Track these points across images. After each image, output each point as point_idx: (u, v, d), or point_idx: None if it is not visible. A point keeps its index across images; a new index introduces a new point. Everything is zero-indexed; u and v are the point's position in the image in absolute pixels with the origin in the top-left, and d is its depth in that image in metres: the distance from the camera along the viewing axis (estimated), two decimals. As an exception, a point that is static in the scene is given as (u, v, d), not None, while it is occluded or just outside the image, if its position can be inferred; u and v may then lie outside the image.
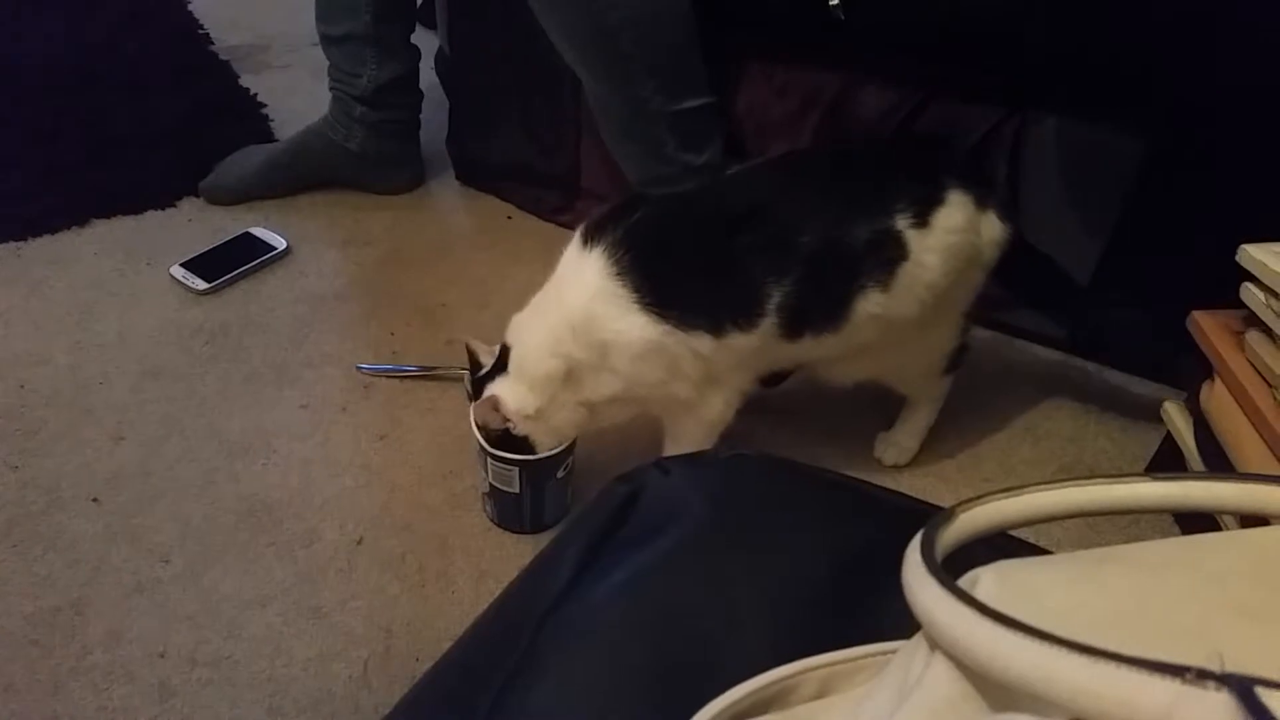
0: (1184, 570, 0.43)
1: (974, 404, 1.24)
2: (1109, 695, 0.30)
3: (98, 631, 1.00)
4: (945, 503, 0.52)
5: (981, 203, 0.99)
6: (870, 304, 0.96)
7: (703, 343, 0.96)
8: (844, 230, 0.95)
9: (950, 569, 0.47)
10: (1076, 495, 0.50)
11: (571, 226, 1.52)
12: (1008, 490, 0.50)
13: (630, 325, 0.94)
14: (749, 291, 0.96)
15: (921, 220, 0.95)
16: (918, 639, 0.44)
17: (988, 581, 0.42)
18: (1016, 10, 1.12)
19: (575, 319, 0.95)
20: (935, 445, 1.19)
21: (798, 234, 0.95)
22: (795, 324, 0.97)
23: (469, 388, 1.06)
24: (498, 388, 0.99)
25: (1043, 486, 0.51)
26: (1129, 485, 0.50)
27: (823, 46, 1.25)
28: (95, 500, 1.13)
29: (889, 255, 0.95)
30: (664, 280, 0.94)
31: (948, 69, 1.22)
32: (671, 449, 1.09)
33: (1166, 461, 1.07)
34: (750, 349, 0.98)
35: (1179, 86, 1.09)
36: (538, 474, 1.04)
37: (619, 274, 0.94)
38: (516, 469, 1.02)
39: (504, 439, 1.01)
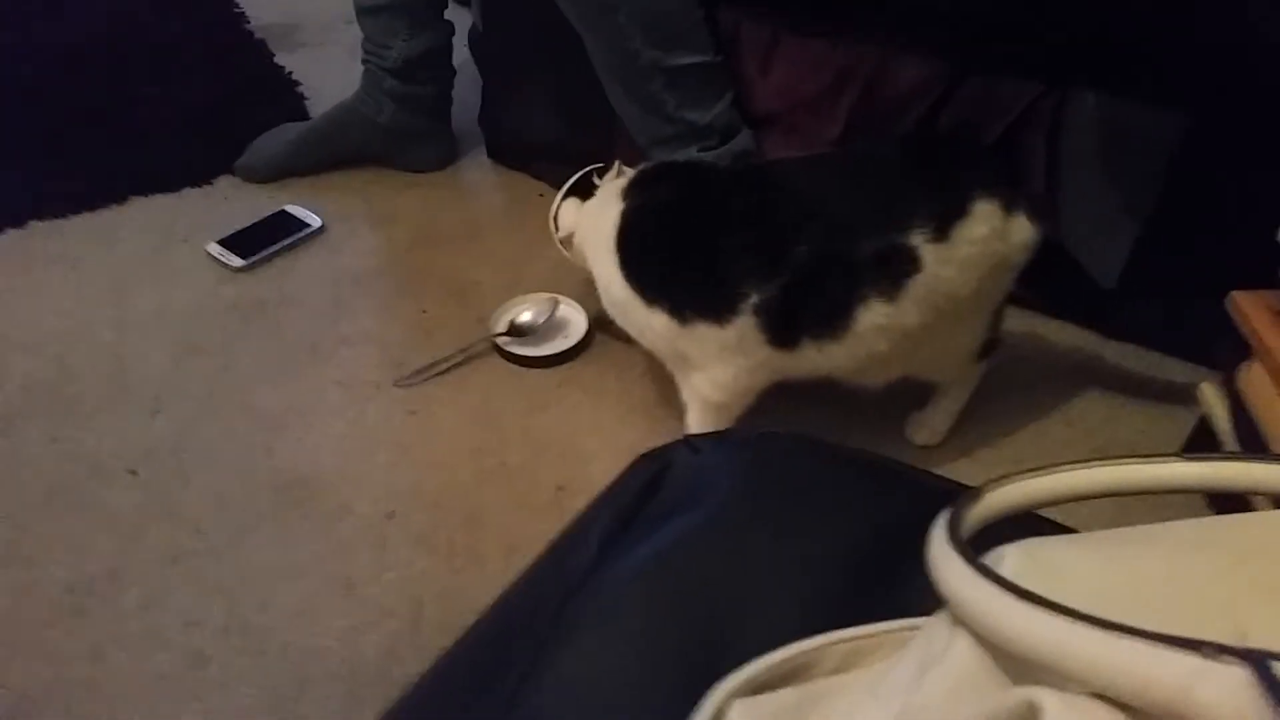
0: (1209, 550, 0.42)
1: (1006, 384, 1.23)
2: (1128, 669, 0.30)
3: (134, 600, 1.02)
4: (976, 483, 0.51)
5: (1010, 206, 0.96)
6: (875, 315, 0.95)
7: (660, 321, 1.01)
8: (847, 242, 0.94)
9: (978, 547, 0.47)
10: (1106, 475, 0.50)
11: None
12: (1036, 469, 0.50)
13: (611, 276, 1.05)
14: (722, 288, 0.97)
15: (941, 233, 0.93)
16: (941, 615, 0.44)
17: (1013, 559, 0.42)
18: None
19: (595, 240, 1.08)
20: (966, 425, 1.18)
21: (794, 241, 0.95)
22: (785, 331, 0.97)
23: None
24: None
25: (1071, 466, 0.50)
26: (1161, 465, 0.49)
27: (856, 21, 1.24)
28: (133, 472, 1.15)
29: (898, 269, 0.94)
30: (645, 255, 1.03)
31: (983, 45, 1.20)
32: (687, 418, 1.11)
33: (1201, 443, 1.05)
34: (726, 345, 0.99)
35: (1217, 62, 1.07)
36: None
37: (619, 234, 1.04)
38: None
39: None
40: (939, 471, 1.14)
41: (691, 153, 1.31)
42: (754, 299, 0.95)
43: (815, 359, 0.99)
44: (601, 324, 1.32)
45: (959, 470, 1.14)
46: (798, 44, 1.30)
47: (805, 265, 0.94)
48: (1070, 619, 0.32)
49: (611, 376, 1.28)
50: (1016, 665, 0.36)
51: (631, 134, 1.36)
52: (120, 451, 1.17)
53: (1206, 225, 1.13)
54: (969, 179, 0.96)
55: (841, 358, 0.98)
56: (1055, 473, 0.50)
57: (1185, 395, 1.14)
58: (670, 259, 1.01)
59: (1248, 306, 0.93)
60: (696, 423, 1.09)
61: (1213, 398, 1.02)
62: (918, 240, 0.93)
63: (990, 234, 0.95)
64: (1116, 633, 0.30)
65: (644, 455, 0.61)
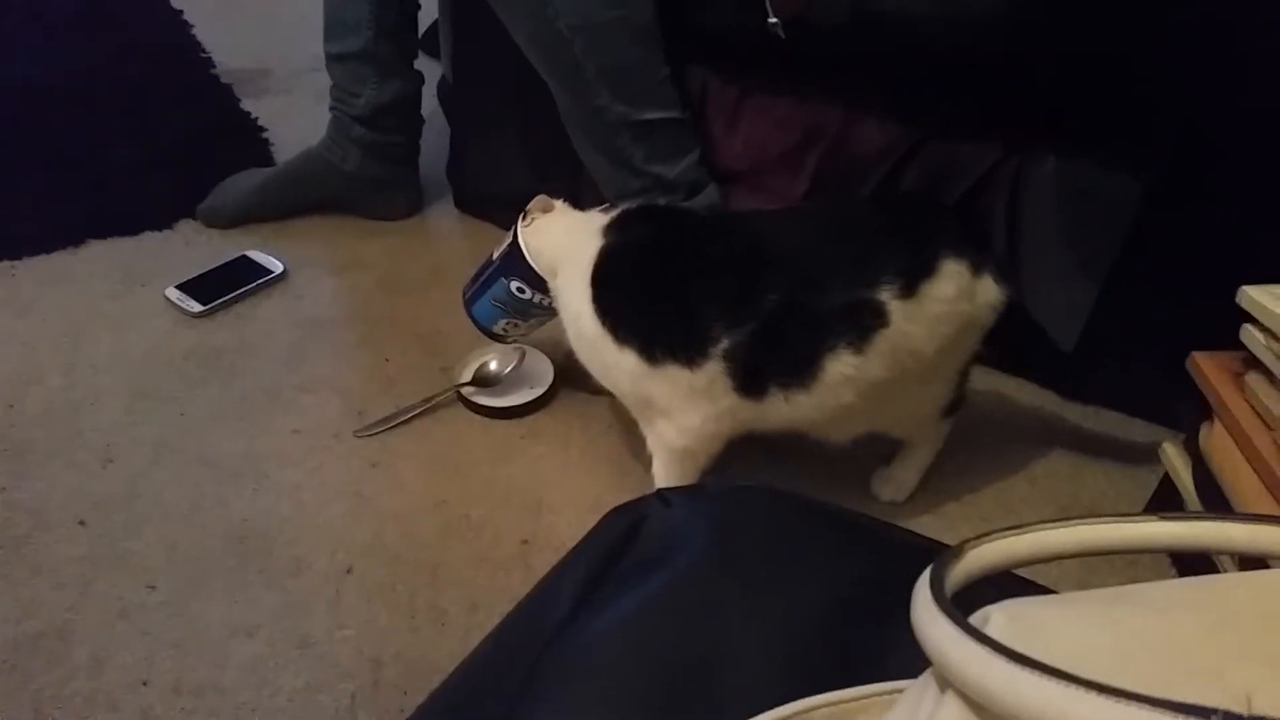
0: (1195, 612, 0.42)
1: (970, 440, 1.24)
2: (1133, 738, 0.29)
3: (81, 658, 0.98)
4: (943, 540, 0.51)
5: (977, 268, 0.98)
6: (843, 365, 0.95)
7: (630, 361, 0.99)
8: (816, 293, 0.95)
9: (958, 608, 0.47)
10: (1087, 534, 0.50)
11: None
12: (1017, 527, 0.50)
13: (582, 310, 1.03)
14: (694, 330, 0.97)
15: (908, 290, 0.94)
16: (925, 678, 0.43)
17: (999, 620, 0.41)
18: (1012, 47, 1.13)
19: (570, 273, 1.06)
20: (931, 482, 1.19)
21: (766, 288, 0.95)
22: (753, 378, 0.97)
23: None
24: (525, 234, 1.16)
25: (1053, 524, 0.50)
26: (1140, 524, 0.49)
27: (821, 83, 1.26)
28: (82, 523, 1.11)
29: (865, 322, 0.94)
30: (620, 293, 1.02)
31: (946, 109, 1.22)
32: (654, 469, 1.10)
33: (1164, 503, 1.06)
34: (695, 390, 0.98)
35: (1178, 125, 1.10)
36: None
37: (595, 268, 1.02)
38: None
39: None
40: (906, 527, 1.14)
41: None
42: (724, 343, 0.95)
43: (782, 409, 0.98)
44: (567, 375, 1.32)
45: (925, 527, 1.14)
46: (765, 103, 1.32)
47: (775, 313, 0.94)
48: (1069, 683, 0.32)
49: (577, 428, 1.27)
50: (1010, 731, 0.35)
51: (600, 186, 1.36)
52: (69, 502, 1.13)
53: (1166, 287, 1.15)
54: (938, 239, 0.97)
55: (808, 408, 0.98)
56: (1036, 531, 0.50)
57: (1147, 455, 1.15)
58: (644, 299, 1.01)
59: (1209, 368, 0.94)
60: (662, 473, 1.08)
61: (1175, 458, 1.03)
62: (886, 296, 0.93)
63: (957, 294, 0.96)
64: (1119, 698, 0.30)
65: (616, 509, 0.60)
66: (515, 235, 1.15)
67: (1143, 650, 0.39)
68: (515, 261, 1.14)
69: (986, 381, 1.31)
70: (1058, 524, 0.50)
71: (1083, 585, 0.92)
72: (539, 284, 1.14)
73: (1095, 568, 1.07)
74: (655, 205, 1.24)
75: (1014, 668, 0.33)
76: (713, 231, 1.06)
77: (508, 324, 1.23)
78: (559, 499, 1.17)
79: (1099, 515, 0.50)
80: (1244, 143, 1.08)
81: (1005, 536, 0.50)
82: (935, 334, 0.97)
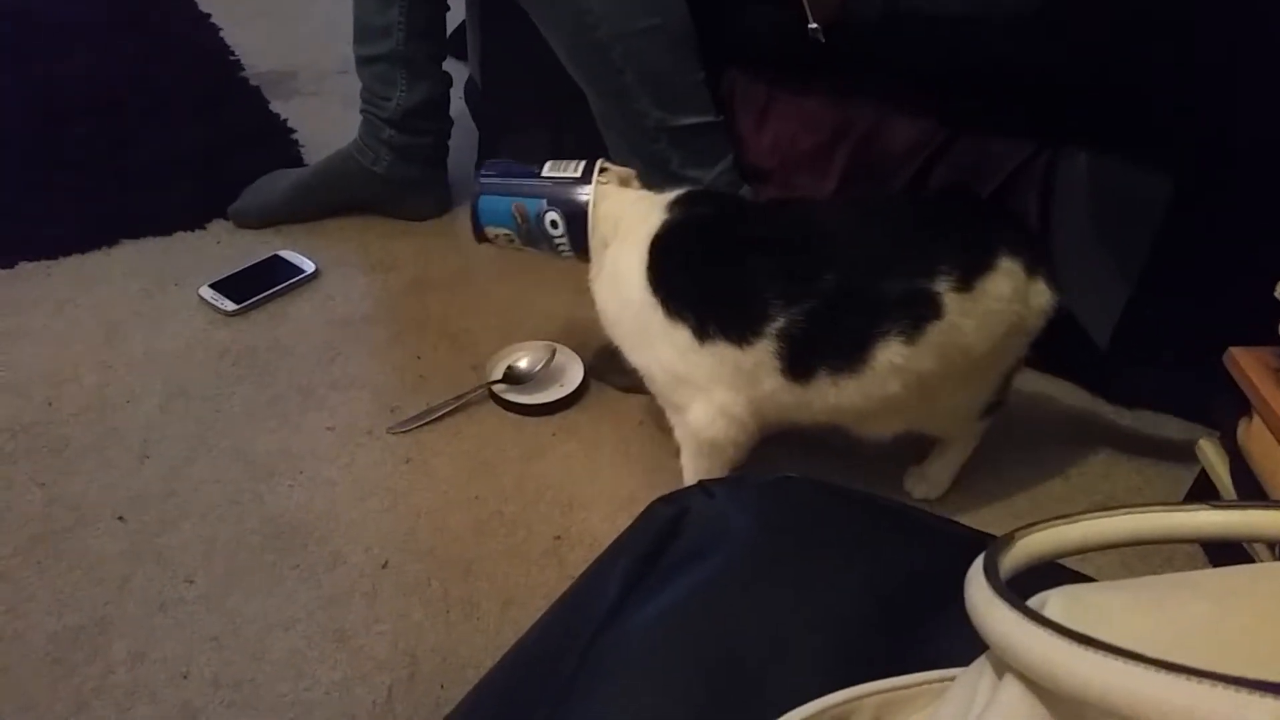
0: (1248, 599, 0.42)
1: (1003, 438, 1.23)
2: (1202, 714, 0.29)
3: (121, 651, 0.99)
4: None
5: (1032, 269, 0.97)
6: (892, 354, 0.95)
7: (680, 336, 0.99)
8: (873, 279, 0.95)
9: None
10: (1136, 522, 0.50)
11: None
12: (1066, 516, 0.50)
13: (633, 282, 1.02)
14: (749, 308, 0.96)
15: (965, 284, 0.94)
16: (980, 663, 0.43)
17: (1056, 604, 0.41)
18: (1043, 45, 1.12)
19: (626, 242, 1.05)
20: (962, 479, 1.18)
21: (822, 269, 0.95)
22: (801, 360, 0.97)
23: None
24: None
25: (1102, 514, 0.50)
26: (1190, 513, 0.49)
27: (849, 80, 1.26)
28: (121, 519, 1.12)
29: (919, 312, 0.94)
30: (677, 268, 1.01)
31: (976, 104, 1.22)
32: (682, 462, 1.10)
33: (1200, 498, 1.05)
34: (740, 369, 0.98)
35: (1210, 121, 1.09)
36: None
37: (655, 242, 1.02)
38: None
39: None
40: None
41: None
42: (778, 322, 0.95)
43: (827, 395, 0.98)
44: (598, 372, 1.32)
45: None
46: (793, 101, 1.32)
47: (831, 295, 0.94)
48: (1130, 660, 0.32)
49: (608, 425, 1.27)
50: (1071, 711, 0.35)
51: None
52: (108, 497, 1.15)
53: (1198, 285, 1.15)
54: (996, 237, 0.97)
55: (854, 396, 0.98)
56: (1086, 520, 0.50)
57: (1180, 452, 1.15)
58: (702, 273, 1.00)
59: (1247, 363, 0.94)
60: (690, 465, 1.08)
61: (1213, 454, 1.02)
62: (942, 287, 0.93)
63: (1012, 294, 0.96)
64: (1188, 675, 0.30)
65: (660, 499, 0.61)
66: (587, 181, 1.08)
67: (1199, 636, 0.39)
68: (572, 207, 1.08)
69: (1019, 379, 1.30)
70: (1107, 513, 0.50)
71: (1116, 577, 0.92)
72: (578, 239, 1.10)
73: (1129, 563, 1.07)
74: (713, 190, 1.24)
75: (1078, 648, 0.34)
76: (772, 214, 1.07)
77: (504, 235, 1.16)
78: (590, 496, 1.17)
79: (1151, 504, 0.50)
80: (1276, 140, 1.08)
81: (1055, 525, 0.50)
82: (986, 332, 0.97)
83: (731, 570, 0.57)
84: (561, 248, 1.12)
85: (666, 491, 0.65)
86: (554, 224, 1.10)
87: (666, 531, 0.60)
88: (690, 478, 1.09)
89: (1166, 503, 0.52)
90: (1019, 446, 1.24)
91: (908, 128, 1.26)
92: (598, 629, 0.56)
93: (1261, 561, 0.87)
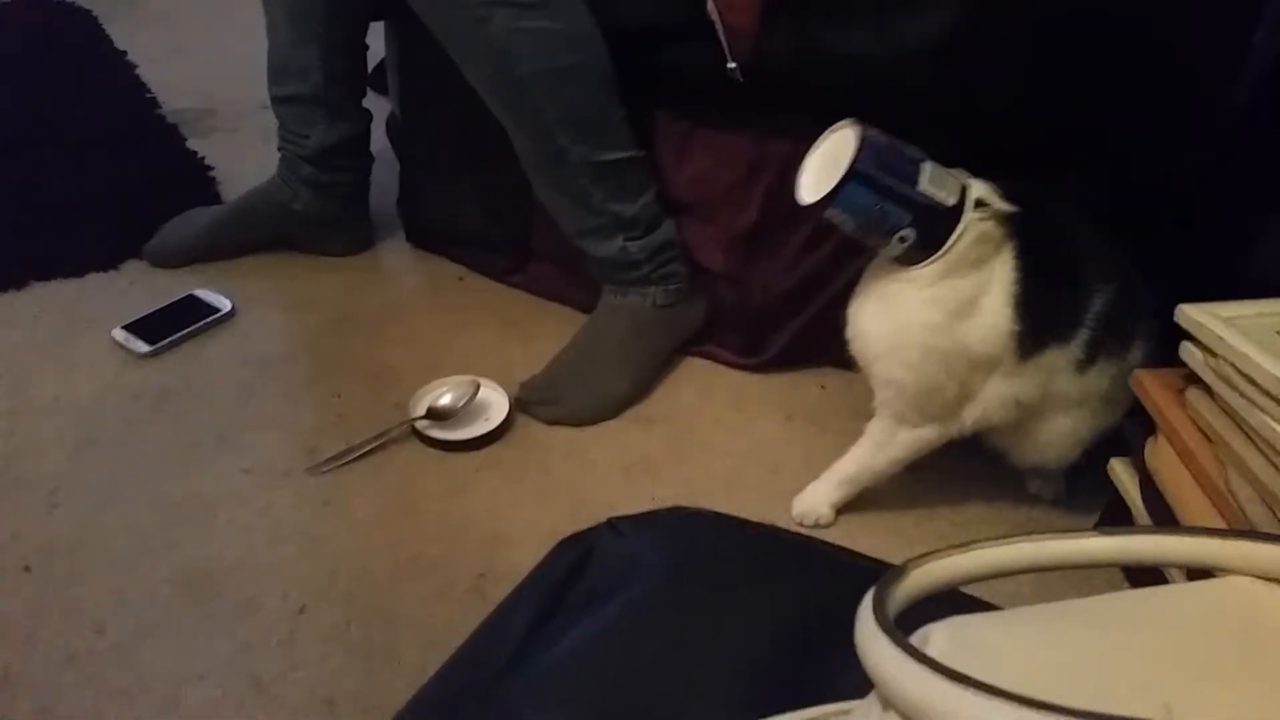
0: (1134, 626, 0.43)
1: (927, 460, 1.25)
2: (1065, 751, 0.30)
3: (26, 707, 0.95)
4: (897, 558, 0.51)
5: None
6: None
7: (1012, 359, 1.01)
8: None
9: (904, 626, 0.47)
10: (1028, 550, 0.50)
11: (524, 288, 1.55)
12: (960, 545, 0.50)
13: (990, 309, 1.01)
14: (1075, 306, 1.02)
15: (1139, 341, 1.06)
16: (871, 697, 0.43)
17: (939, 638, 0.42)
18: (951, 78, 1.15)
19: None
20: (888, 501, 1.20)
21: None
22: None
23: None
24: None
25: (994, 542, 0.51)
26: (1079, 540, 0.50)
27: (766, 116, 1.28)
28: (27, 569, 1.09)
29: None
30: (1048, 296, 1.02)
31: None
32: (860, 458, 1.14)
33: (1114, 519, 1.08)
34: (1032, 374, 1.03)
35: (1118, 156, 1.13)
36: None
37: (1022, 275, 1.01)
38: None
39: None
40: (863, 548, 1.15)
41: (617, 243, 1.32)
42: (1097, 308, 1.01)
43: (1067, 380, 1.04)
44: (524, 406, 1.31)
45: (881, 545, 1.14)
46: (711, 137, 1.33)
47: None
48: (1004, 700, 0.32)
49: (533, 459, 1.26)
50: (950, 748, 0.35)
51: (558, 223, 1.37)
52: (14, 547, 1.11)
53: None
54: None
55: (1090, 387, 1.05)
56: (979, 549, 0.50)
57: (1100, 470, 1.16)
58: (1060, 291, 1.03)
59: (1152, 385, 0.96)
60: (872, 467, 1.14)
61: (1124, 474, 1.04)
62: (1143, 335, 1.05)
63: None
64: (1053, 713, 0.30)
65: (566, 540, 0.60)
66: (958, 215, 0.97)
67: (1081, 665, 0.40)
68: (932, 238, 0.97)
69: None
70: (1000, 542, 0.51)
71: (1037, 599, 0.93)
72: (914, 259, 0.99)
73: (1050, 582, 1.08)
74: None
75: (951, 686, 0.34)
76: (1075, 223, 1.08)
77: (845, 220, 0.99)
78: (515, 531, 1.16)
79: (1041, 532, 0.51)
80: (1180, 168, 1.11)
81: (949, 555, 0.50)
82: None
83: (638, 608, 0.57)
84: (890, 254, 1.01)
85: (592, 524, 0.65)
86: (903, 239, 0.98)
87: (572, 572, 0.59)
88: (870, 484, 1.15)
89: (1058, 530, 0.53)
90: (941, 469, 1.25)
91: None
92: (503, 670, 0.56)
93: (1173, 583, 0.89)
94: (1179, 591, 0.46)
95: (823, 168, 0.97)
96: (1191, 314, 0.89)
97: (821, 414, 1.34)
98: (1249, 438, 0.83)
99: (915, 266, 0.99)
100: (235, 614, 1.05)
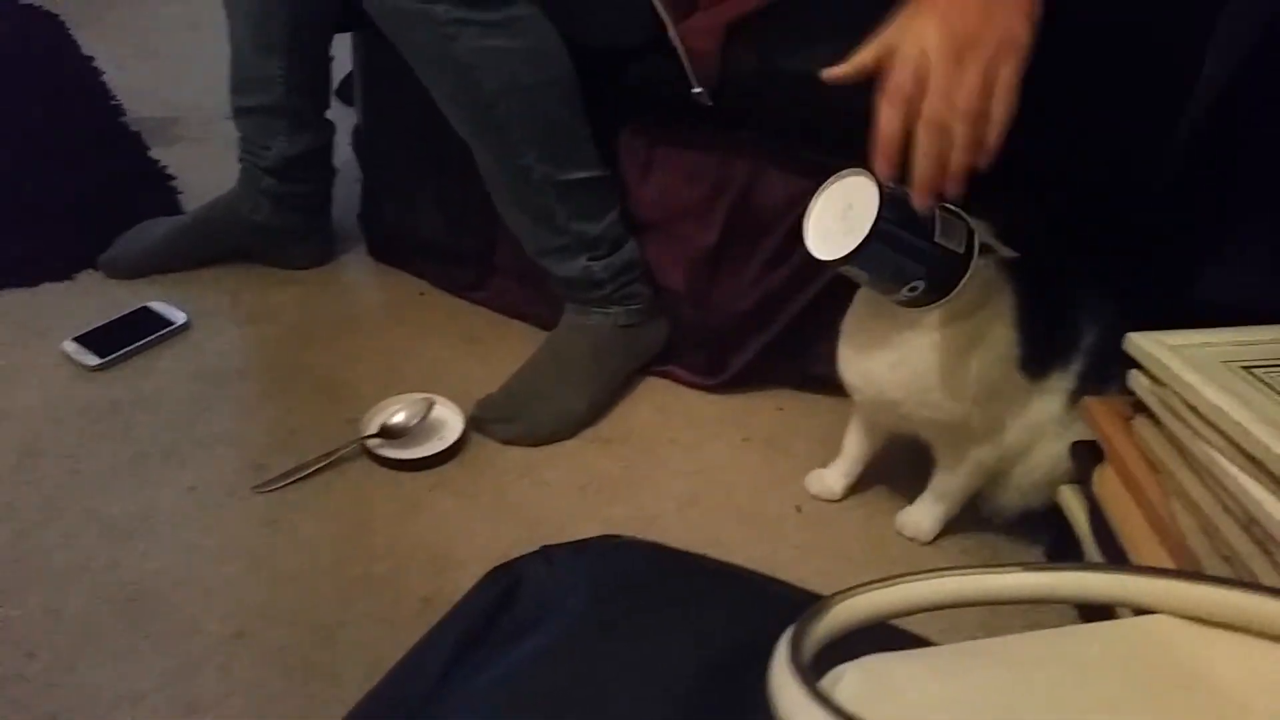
0: (1049, 665, 0.42)
1: (881, 484, 1.25)
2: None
3: (-52, 734, 0.93)
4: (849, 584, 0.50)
5: None
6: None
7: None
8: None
9: (829, 659, 0.46)
10: (951, 585, 0.49)
11: (485, 304, 1.54)
12: (883, 580, 0.49)
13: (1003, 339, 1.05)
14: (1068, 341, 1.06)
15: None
16: (782, 740, 0.42)
17: (851, 679, 0.41)
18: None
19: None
20: (835, 525, 1.19)
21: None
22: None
23: None
24: None
25: (917, 576, 0.50)
26: (1002, 576, 0.49)
27: (729, 136, 1.27)
28: (-42, 588, 1.06)
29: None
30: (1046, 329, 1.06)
31: (853, 157, 1.24)
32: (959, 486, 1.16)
33: (1062, 546, 1.07)
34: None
35: (1071, 178, 1.13)
36: None
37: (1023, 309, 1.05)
38: None
39: None
40: (817, 573, 1.14)
41: (581, 263, 1.31)
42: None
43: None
44: (479, 424, 1.30)
45: (835, 573, 1.14)
46: (675, 155, 1.33)
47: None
48: (895, 749, 0.31)
49: (487, 479, 1.24)
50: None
51: (521, 241, 1.36)
52: (-55, 564, 1.08)
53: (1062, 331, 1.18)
54: None
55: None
56: (902, 584, 0.50)
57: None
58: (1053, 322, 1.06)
59: (1100, 413, 0.96)
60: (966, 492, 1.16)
61: (1073, 501, 1.04)
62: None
63: None
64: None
65: (494, 570, 0.59)
66: (968, 262, 0.96)
67: (990, 706, 0.39)
68: (941, 289, 0.96)
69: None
70: (923, 576, 0.50)
71: (984, 627, 0.92)
72: (919, 304, 0.99)
73: (1000, 612, 1.08)
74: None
75: (847, 732, 0.33)
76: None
77: (860, 275, 0.98)
78: (465, 553, 1.14)
79: (978, 566, 0.50)
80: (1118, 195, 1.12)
81: (871, 590, 0.49)
82: None
83: (559, 640, 0.56)
84: (896, 300, 1.00)
85: (545, 544, 0.64)
86: (913, 289, 0.97)
87: (500, 602, 0.58)
88: (962, 499, 1.17)
89: (982, 565, 0.52)
90: (894, 491, 1.25)
91: (785, 180, 1.28)
92: (421, 704, 0.54)
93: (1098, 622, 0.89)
94: (1099, 630, 0.45)
95: (832, 215, 0.95)
96: (1139, 342, 0.90)
97: (779, 436, 1.34)
98: (1192, 468, 0.83)
99: (919, 309, 1.00)
100: (174, 636, 1.03)
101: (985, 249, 0.96)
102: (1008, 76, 0.84)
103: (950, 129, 0.84)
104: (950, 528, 1.19)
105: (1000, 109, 0.84)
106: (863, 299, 1.08)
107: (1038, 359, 1.05)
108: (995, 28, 0.83)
